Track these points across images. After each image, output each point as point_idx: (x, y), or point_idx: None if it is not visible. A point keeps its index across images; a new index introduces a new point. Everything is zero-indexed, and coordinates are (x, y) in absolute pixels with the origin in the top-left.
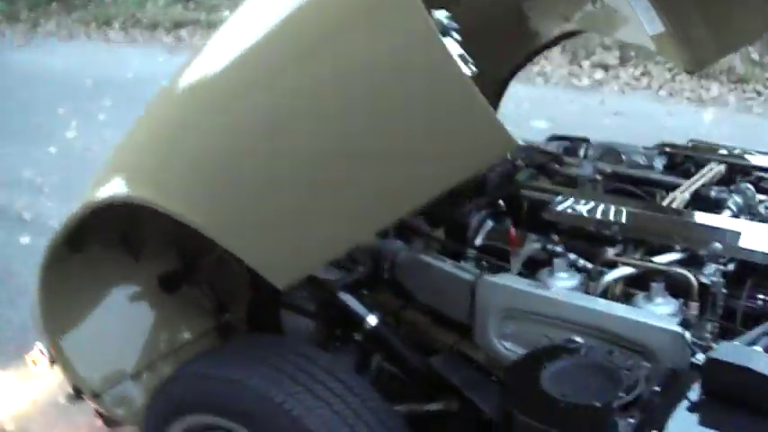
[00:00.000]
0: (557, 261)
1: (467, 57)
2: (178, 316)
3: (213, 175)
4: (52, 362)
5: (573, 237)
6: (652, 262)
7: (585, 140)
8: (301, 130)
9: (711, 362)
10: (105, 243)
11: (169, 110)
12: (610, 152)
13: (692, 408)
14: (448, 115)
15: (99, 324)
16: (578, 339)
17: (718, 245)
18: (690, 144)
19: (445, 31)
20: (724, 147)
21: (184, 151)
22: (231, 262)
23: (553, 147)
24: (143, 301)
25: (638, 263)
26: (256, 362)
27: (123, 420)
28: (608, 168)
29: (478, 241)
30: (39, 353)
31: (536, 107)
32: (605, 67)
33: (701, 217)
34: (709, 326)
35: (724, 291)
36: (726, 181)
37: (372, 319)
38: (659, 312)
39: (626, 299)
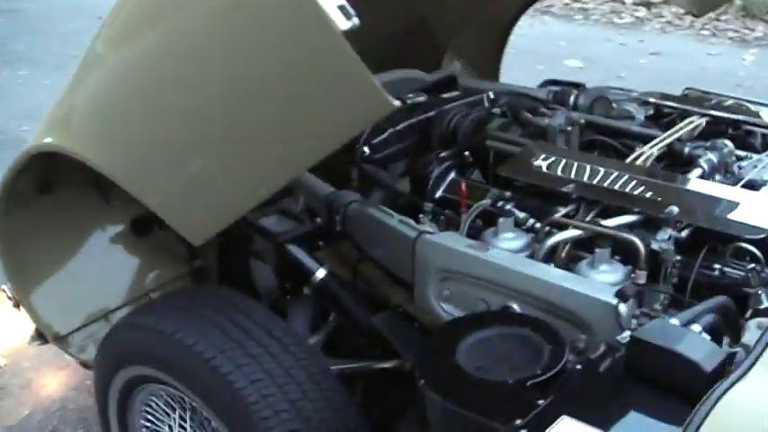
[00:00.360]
0: (501, 221)
1: (348, 8)
2: (150, 260)
3: (123, 125)
4: (17, 304)
5: (528, 194)
6: (600, 224)
7: (580, 86)
8: (184, 82)
9: (635, 341)
10: (77, 185)
11: (85, 58)
12: (601, 100)
13: (612, 390)
14: (318, 72)
15: (67, 267)
16: (514, 307)
17: (674, 208)
18: (685, 93)
19: None
20: (723, 97)
21: (97, 100)
22: None
23: (543, 93)
24: (115, 245)
25: (585, 225)
26: (191, 314)
27: (89, 364)
28: (582, 119)
29: (438, 194)
30: (3, 294)
31: (572, 45)
32: (648, 5)
33: (661, 176)
34: (661, 297)
35: (678, 258)
36: (709, 135)
37: (321, 273)
38: (602, 280)
39: (574, 264)
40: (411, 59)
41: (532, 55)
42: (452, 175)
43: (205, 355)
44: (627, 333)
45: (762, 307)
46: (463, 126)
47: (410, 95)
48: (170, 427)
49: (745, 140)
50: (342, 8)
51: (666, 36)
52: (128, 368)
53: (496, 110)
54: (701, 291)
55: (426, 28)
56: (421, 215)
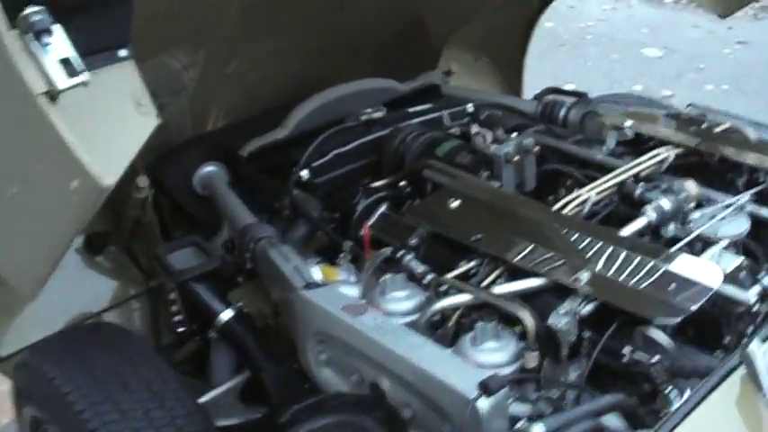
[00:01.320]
0: (388, 277)
1: (74, 63)
2: (104, 279)
3: None
4: None
5: (438, 243)
6: (485, 291)
7: (581, 95)
8: None
9: None
10: None
11: None
12: (590, 116)
13: None
14: (26, 140)
15: (10, 286)
16: (385, 384)
17: (583, 275)
18: (687, 110)
19: (30, 29)
20: (725, 117)
21: None
22: (148, 226)
23: (531, 106)
24: (67, 263)
25: (471, 290)
26: (75, 359)
27: None
28: (536, 147)
29: (362, 232)
30: None
31: (655, 32)
32: None
33: (588, 230)
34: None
35: (587, 336)
36: (685, 169)
37: (226, 314)
38: (484, 360)
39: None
40: (405, 62)
41: (609, 42)
42: (383, 208)
43: (76, 407)
44: None
45: (674, 408)
46: (412, 149)
47: (367, 110)
48: None
49: (726, 176)
50: (65, 62)
51: (759, 23)
52: (27, 407)
53: (455, 130)
54: (612, 379)
55: (422, 29)
56: (341, 255)
